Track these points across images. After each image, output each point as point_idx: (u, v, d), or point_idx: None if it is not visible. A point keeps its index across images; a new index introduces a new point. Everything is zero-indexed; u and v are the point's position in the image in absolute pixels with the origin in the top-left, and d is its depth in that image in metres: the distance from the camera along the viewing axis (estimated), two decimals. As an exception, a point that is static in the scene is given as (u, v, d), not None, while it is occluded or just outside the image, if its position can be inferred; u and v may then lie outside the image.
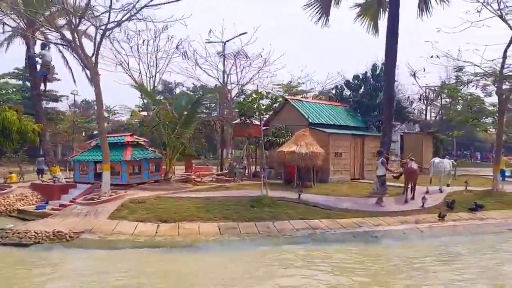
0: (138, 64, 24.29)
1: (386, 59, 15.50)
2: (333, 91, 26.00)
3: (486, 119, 34.62)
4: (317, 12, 16.53)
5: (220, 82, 26.52)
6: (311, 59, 67.02)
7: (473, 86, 29.98)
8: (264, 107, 14.39)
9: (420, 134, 28.13)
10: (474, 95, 32.45)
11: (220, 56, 21.77)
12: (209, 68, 27.35)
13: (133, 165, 16.04)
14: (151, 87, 23.91)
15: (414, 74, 31.61)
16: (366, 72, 24.45)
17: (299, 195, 14.34)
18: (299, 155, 16.90)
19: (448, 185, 17.34)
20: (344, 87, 24.97)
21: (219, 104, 19.80)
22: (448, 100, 32.46)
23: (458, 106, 33.06)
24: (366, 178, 20.55)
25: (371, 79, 23.95)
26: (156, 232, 11.21)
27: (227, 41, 21.22)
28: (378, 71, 24.00)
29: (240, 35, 21.07)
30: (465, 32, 17.33)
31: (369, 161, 20.90)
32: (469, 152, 60.77)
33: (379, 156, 14.85)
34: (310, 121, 20.01)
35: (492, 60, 17.43)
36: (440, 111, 30.75)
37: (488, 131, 37.83)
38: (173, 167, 21.92)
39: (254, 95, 13.08)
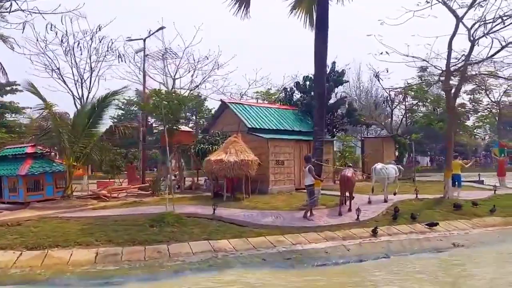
0: (72, 69, 22.42)
1: (316, 53, 13.76)
2: (283, 94, 24.32)
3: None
4: (235, 2, 14.79)
5: (166, 86, 24.74)
6: (267, 60, 65.53)
7: (439, 87, 28.92)
8: (171, 110, 12.44)
9: (381, 138, 26.55)
10: (443, 95, 31.25)
11: (138, 54, 19.99)
12: (158, 73, 25.63)
13: (31, 180, 13.98)
14: (87, 92, 22.03)
15: (377, 75, 30.47)
16: (317, 73, 22.74)
17: (214, 210, 12.41)
18: (227, 164, 15.03)
19: (394, 194, 15.59)
20: (295, 89, 23.25)
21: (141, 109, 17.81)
22: (414, 102, 30.95)
23: (423, 108, 31.70)
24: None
25: (321, 80, 22.24)
26: (14, 263, 9.15)
27: (147, 37, 19.33)
28: (328, 71, 22.31)
29: (158, 30, 19.30)
30: (417, 27, 15.89)
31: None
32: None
33: (306, 163, 13.04)
34: (249, 125, 18.21)
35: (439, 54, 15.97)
36: (405, 114, 29.22)
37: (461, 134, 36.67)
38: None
39: (154, 96, 11.15)
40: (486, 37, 13.75)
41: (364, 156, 24.88)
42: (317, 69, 13.93)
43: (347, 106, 22.89)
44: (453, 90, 15.28)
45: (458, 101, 32.14)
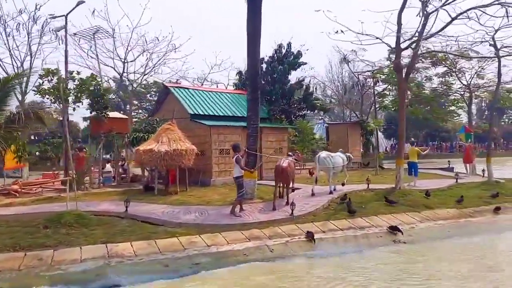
0: (10, 52, 20.60)
1: (248, 28, 12.21)
2: (237, 77, 22.77)
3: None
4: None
5: (117, 71, 23.11)
6: (228, 43, 63.19)
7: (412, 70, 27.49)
8: (75, 93, 10.88)
9: (346, 124, 25.24)
10: (415, 78, 29.86)
11: (59, 32, 18.18)
12: (108, 57, 24.01)
13: None
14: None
15: (345, 59, 28.99)
16: (273, 55, 21.23)
17: (126, 207, 10.96)
18: (158, 154, 13.53)
19: (343, 184, 14.27)
20: (250, 73, 21.63)
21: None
22: (384, 86, 29.48)
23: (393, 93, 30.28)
24: (265, 178, 17.29)
25: (276, 62, 20.75)
26: None
27: (68, 13, 17.45)
28: (284, 52, 20.82)
29: (77, 5, 17.38)
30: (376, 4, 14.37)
31: (268, 158, 17.65)
32: (436, 142, 60.23)
33: (234, 152, 11.62)
34: (191, 112, 16.74)
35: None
36: (374, 99, 27.87)
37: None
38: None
39: (50, 76, 9.56)
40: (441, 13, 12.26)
41: (328, 143, 23.60)
42: (249, 47, 12.37)
43: (303, 90, 21.46)
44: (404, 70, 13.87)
45: (426, 86, 31.16)
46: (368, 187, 14.54)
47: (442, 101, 31.70)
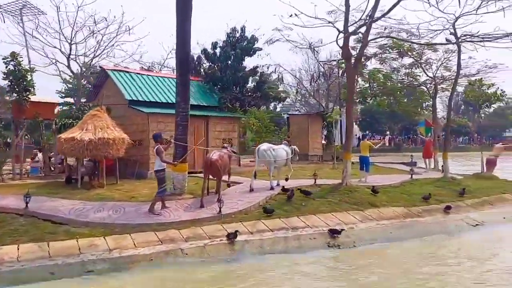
0: None
1: (178, 4, 10.88)
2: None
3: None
4: None
5: (63, 53, 21.47)
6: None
7: (378, 60, 26.57)
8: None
9: (307, 115, 24.23)
10: (382, 70, 28.93)
11: None
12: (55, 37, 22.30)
13: None
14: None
15: (311, 47, 27.83)
16: (226, 39, 19.89)
17: (27, 203, 9.60)
18: (80, 143, 12.14)
19: (286, 179, 13.17)
20: (202, 57, 20.24)
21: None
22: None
23: (362, 82, 29.34)
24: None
25: (229, 47, 19.42)
26: None
27: None
28: (237, 36, 19.48)
29: None
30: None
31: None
32: (411, 136, 60.39)
33: (155, 142, 10.36)
34: (129, 98, 15.40)
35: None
36: (339, 90, 26.89)
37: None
38: None
39: None
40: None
41: (288, 134, 22.56)
42: (179, 23, 11.03)
43: (258, 78, 20.22)
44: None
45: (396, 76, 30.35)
46: (315, 182, 13.49)
47: (417, 94, 30.93)
